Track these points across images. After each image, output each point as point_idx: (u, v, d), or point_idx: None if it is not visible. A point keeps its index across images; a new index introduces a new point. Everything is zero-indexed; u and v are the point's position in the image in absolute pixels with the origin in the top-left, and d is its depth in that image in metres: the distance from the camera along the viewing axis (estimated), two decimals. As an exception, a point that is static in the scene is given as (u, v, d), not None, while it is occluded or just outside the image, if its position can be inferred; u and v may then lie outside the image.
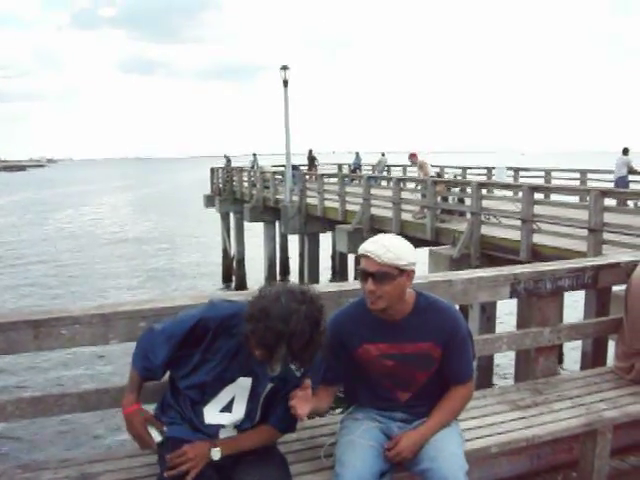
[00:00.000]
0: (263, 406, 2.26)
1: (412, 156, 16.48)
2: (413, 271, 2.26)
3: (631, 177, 16.45)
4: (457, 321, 2.37)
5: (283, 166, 20.80)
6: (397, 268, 2.19)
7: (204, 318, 2.17)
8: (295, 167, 21.71)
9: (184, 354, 2.20)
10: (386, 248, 2.18)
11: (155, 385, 2.41)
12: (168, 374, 2.32)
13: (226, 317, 2.16)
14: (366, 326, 2.34)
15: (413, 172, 19.45)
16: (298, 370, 2.15)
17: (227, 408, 2.22)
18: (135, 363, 2.24)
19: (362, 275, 2.25)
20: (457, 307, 2.54)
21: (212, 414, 2.22)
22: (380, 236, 2.28)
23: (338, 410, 2.75)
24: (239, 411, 2.23)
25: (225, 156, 30.33)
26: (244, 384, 2.21)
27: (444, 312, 2.36)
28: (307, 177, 19.99)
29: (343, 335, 2.34)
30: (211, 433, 2.19)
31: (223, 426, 2.22)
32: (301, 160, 27.73)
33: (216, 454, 2.11)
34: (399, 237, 2.32)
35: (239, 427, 2.25)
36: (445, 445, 2.25)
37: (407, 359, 2.33)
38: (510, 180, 19.26)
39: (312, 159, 27.81)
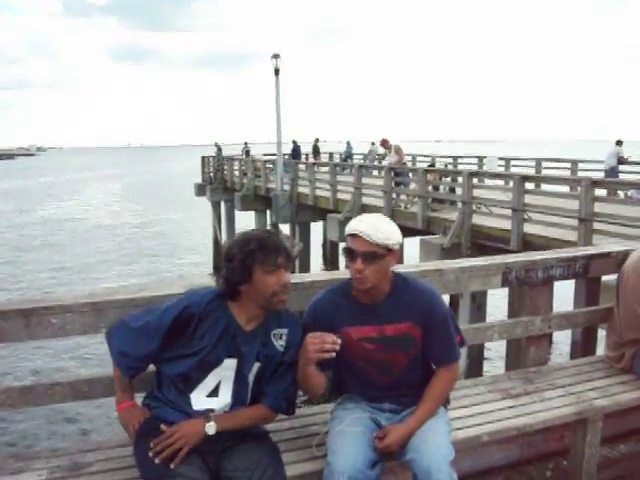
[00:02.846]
0: (254, 388, 2.27)
1: (384, 142, 16.49)
2: (398, 250, 2.30)
3: (621, 167, 16.53)
4: (435, 301, 2.37)
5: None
6: (386, 248, 2.21)
7: (188, 305, 2.18)
8: (297, 154, 21.28)
9: (169, 342, 2.19)
10: (376, 228, 2.20)
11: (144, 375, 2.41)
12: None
13: (209, 301, 2.20)
14: (345, 310, 2.34)
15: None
16: (280, 346, 2.24)
17: (214, 393, 2.22)
18: (118, 364, 2.25)
19: (350, 255, 2.25)
20: (448, 296, 2.53)
21: (199, 400, 2.21)
22: (367, 216, 2.31)
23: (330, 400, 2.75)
24: (226, 395, 2.23)
25: (216, 144, 29.84)
26: (229, 366, 2.21)
27: (421, 292, 2.37)
28: (299, 166, 19.92)
29: (323, 321, 2.32)
30: None
31: (212, 410, 2.21)
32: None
33: (211, 428, 2.11)
34: (383, 216, 2.36)
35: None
36: (430, 435, 2.25)
37: (388, 341, 2.33)
38: (501, 169, 19.29)
39: (316, 148, 27.73)
